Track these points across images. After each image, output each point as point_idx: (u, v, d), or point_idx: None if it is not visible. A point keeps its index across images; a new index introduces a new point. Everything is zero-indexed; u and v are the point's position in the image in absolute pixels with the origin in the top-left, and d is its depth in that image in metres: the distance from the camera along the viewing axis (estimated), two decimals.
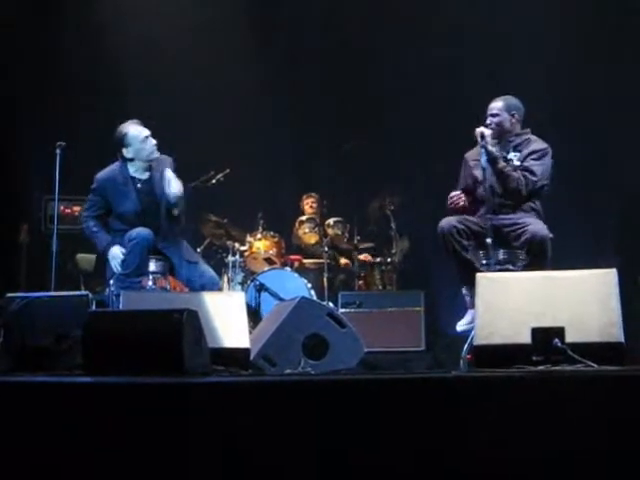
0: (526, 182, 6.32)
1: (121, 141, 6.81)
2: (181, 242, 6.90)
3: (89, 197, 6.92)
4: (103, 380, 3.83)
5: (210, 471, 3.27)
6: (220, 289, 7.03)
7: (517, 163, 6.36)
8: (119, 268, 6.64)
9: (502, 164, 6.29)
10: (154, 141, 6.83)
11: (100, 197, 6.83)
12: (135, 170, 6.87)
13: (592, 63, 9.09)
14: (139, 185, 6.85)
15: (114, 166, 6.90)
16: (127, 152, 6.81)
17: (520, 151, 6.44)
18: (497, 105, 6.55)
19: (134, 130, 6.81)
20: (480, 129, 6.33)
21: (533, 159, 6.42)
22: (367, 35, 10.15)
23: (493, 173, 6.24)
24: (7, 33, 9.55)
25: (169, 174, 6.75)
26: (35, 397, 3.47)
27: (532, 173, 6.35)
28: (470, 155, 6.66)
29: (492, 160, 6.24)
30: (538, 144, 6.52)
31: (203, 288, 6.60)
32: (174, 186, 6.73)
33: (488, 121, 6.49)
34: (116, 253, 6.66)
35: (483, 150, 6.21)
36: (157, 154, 6.86)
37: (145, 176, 6.89)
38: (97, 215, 6.87)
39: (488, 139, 6.27)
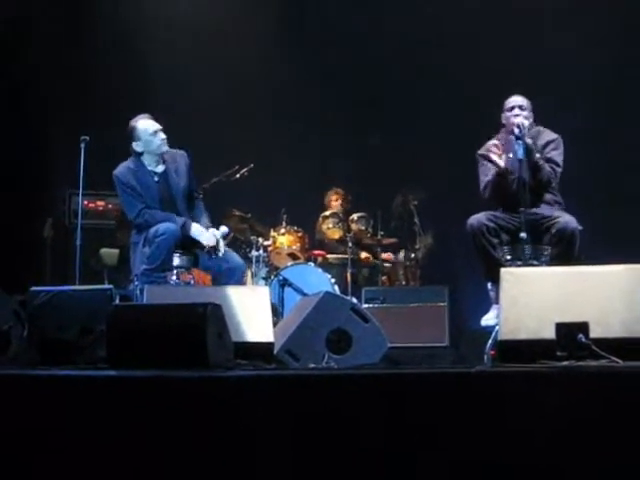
0: (555, 174, 6.35)
1: (131, 135, 6.88)
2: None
3: (125, 198, 6.87)
4: (126, 374, 3.84)
5: (232, 464, 3.28)
6: (245, 274, 7.04)
7: (537, 155, 6.35)
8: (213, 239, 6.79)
9: (537, 156, 6.29)
10: (163, 135, 6.89)
11: (132, 189, 6.81)
12: (149, 164, 6.93)
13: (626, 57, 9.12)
14: (156, 178, 6.91)
15: (128, 161, 6.93)
16: (137, 146, 6.89)
17: (535, 143, 6.43)
18: (523, 100, 6.57)
19: (143, 124, 6.87)
20: (520, 120, 6.32)
21: (552, 149, 6.46)
22: (394, 30, 10.14)
23: (528, 166, 6.21)
24: (31, 29, 9.63)
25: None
26: (59, 390, 3.49)
27: (556, 164, 6.41)
28: (487, 152, 6.62)
29: (529, 152, 6.22)
30: (550, 134, 6.59)
31: (229, 272, 6.66)
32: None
33: (517, 112, 6.48)
34: (198, 230, 6.77)
35: (520, 142, 6.17)
36: (166, 148, 6.93)
37: (160, 169, 6.95)
38: (147, 205, 6.81)
39: (526, 131, 6.26)
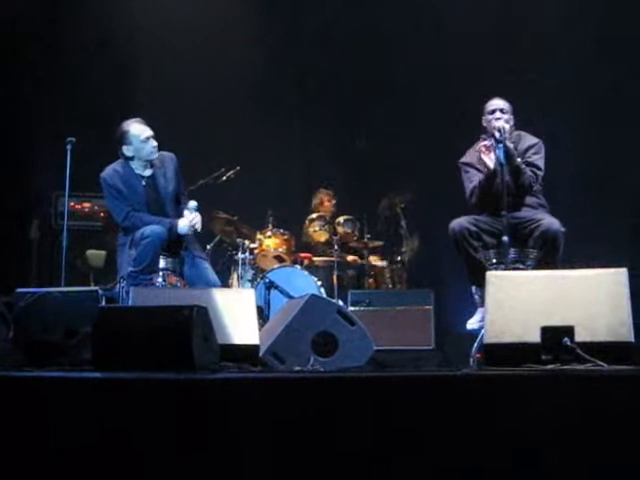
0: (536, 177, 6.37)
1: (122, 138, 6.82)
2: (189, 238, 6.89)
3: (111, 201, 6.84)
4: (112, 376, 3.83)
5: (218, 466, 3.28)
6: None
7: (518, 159, 6.36)
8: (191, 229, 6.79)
9: (518, 160, 6.30)
10: (155, 143, 6.83)
11: (118, 192, 6.79)
12: (136, 167, 6.88)
13: (608, 62, 9.11)
14: (143, 182, 6.88)
15: (116, 164, 6.89)
16: (127, 150, 6.82)
17: (516, 148, 6.44)
18: (505, 104, 6.58)
19: (136, 129, 6.80)
20: (501, 123, 6.33)
21: (533, 153, 6.47)
22: (381, 33, 10.15)
23: (509, 170, 6.22)
24: (18, 31, 9.60)
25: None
26: (44, 392, 3.48)
27: (538, 168, 6.43)
28: (470, 160, 6.64)
29: (509, 156, 6.23)
30: (531, 139, 6.60)
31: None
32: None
33: (498, 115, 6.48)
34: (185, 225, 6.75)
35: (501, 146, 6.18)
36: (156, 155, 6.87)
37: (148, 173, 6.92)
38: (133, 208, 6.79)
39: (506, 135, 6.27)
